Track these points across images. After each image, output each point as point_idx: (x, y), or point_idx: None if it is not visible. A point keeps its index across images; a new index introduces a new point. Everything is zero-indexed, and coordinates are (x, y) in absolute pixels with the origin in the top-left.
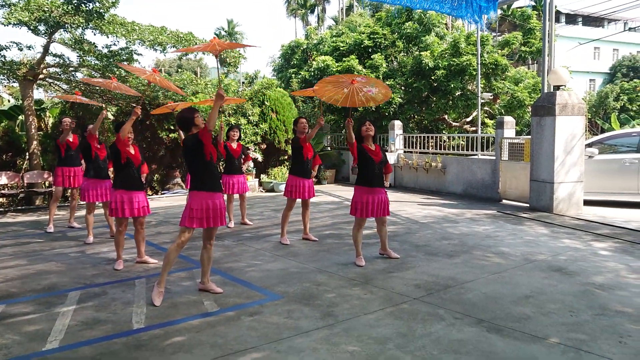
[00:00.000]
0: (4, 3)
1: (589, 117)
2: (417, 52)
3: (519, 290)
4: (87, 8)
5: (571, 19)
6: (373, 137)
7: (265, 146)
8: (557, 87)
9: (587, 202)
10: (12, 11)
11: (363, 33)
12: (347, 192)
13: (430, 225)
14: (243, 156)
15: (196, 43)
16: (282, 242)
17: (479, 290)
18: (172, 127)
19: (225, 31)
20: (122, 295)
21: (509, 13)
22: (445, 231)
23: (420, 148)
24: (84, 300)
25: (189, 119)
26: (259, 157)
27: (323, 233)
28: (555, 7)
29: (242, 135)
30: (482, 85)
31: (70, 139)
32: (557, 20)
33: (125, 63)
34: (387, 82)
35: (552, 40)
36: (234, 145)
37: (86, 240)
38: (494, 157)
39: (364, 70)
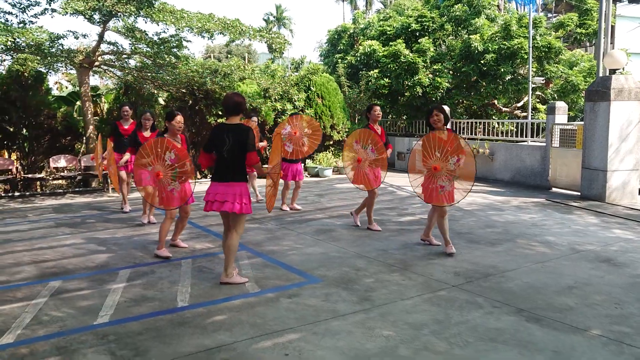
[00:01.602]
0: None
1: None
2: (466, 36)
3: (563, 280)
4: None
5: None
6: (445, 122)
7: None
8: (612, 71)
9: None
10: (69, 1)
11: (410, 16)
12: (391, 179)
13: (474, 213)
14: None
15: (242, 29)
16: (372, 228)
17: (520, 279)
18: (220, 112)
19: (274, 16)
20: (169, 274)
21: None
22: (489, 219)
23: (468, 134)
24: (133, 279)
25: (242, 103)
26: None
27: (365, 218)
28: None
29: None
30: (534, 69)
31: (126, 127)
32: (620, 0)
33: None
34: (435, 67)
35: (609, 22)
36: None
37: (142, 220)
38: (544, 144)
39: (410, 54)
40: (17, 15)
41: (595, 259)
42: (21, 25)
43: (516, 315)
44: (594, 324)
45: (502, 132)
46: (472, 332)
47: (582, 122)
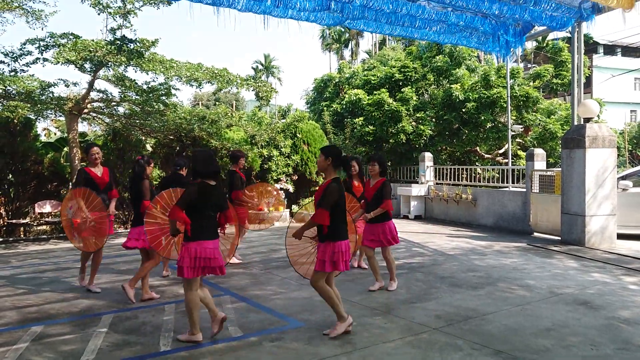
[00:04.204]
0: (54, 43)
1: (630, 149)
2: (448, 85)
3: (541, 322)
4: (129, 48)
5: (610, 49)
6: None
7: (296, 177)
8: (587, 120)
9: (622, 236)
10: (61, 51)
11: (394, 67)
12: None
13: (457, 257)
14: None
15: (230, 79)
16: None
17: (499, 322)
18: None
19: (263, 65)
20: (152, 319)
21: (544, 45)
22: (471, 263)
23: (451, 180)
24: (116, 323)
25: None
26: (291, 188)
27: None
28: (592, 39)
29: (274, 166)
30: (514, 118)
31: (99, 174)
32: (595, 51)
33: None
34: (418, 115)
35: (582, 73)
36: (357, 182)
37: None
38: (524, 189)
39: (394, 102)
40: (9, 64)
41: (573, 302)
42: (12, 73)
43: (494, 357)
44: None
45: (484, 178)
46: None
47: (560, 169)
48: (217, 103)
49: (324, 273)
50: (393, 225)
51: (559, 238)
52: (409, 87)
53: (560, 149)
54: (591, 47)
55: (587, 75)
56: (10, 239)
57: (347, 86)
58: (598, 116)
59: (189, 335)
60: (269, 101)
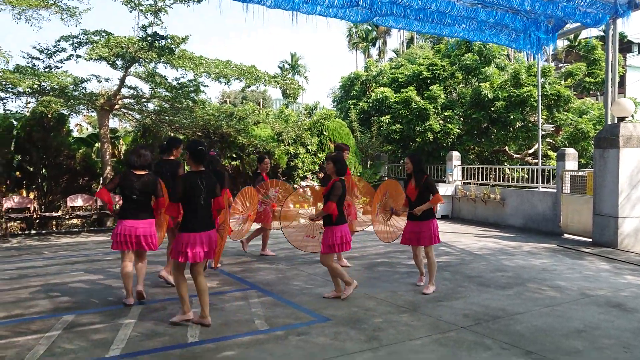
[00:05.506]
0: (87, 40)
1: None
2: (477, 84)
3: (572, 324)
4: (160, 44)
5: None
6: (414, 173)
7: (322, 175)
8: (621, 119)
9: None
10: (94, 48)
11: (422, 65)
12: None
13: (485, 257)
14: None
15: (258, 75)
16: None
17: (529, 322)
18: (234, 155)
19: (289, 64)
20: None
21: (576, 43)
22: (500, 263)
23: (479, 179)
24: (144, 314)
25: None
26: (317, 186)
27: (375, 261)
28: (626, 37)
29: (300, 164)
30: (544, 117)
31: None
32: (629, 50)
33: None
34: (446, 113)
35: (616, 71)
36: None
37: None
38: (555, 190)
39: (421, 100)
40: (43, 61)
41: (605, 304)
42: (47, 69)
43: (524, 357)
44: None
45: (513, 179)
46: None
47: (592, 169)
48: (244, 101)
49: (177, 262)
50: (344, 231)
51: (590, 240)
52: (437, 85)
53: (592, 150)
54: (625, 45)
55: (621, 74)
56: (43, 231)
57: (374, 84)
58: (632, 116)
59: None
60: (296, 98)
